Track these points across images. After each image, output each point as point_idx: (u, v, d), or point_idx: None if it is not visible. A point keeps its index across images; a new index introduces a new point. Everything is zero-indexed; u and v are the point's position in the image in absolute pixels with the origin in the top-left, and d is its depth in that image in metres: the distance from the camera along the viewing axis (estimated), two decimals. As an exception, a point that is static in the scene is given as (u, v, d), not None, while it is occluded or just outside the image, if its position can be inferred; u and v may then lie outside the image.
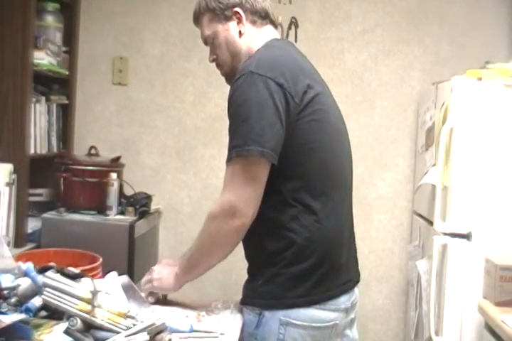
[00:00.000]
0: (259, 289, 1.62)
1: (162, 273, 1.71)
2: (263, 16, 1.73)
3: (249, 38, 1.71)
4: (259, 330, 1.59)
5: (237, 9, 1.70)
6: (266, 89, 1.53)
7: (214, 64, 1.79)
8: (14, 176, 2.58)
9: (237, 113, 1.56)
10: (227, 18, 1.71)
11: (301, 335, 1.58)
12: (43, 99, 2.92)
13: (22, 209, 2.65)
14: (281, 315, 1.57)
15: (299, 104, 1.57)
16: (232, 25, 1.71)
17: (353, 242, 1.76)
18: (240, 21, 1.71)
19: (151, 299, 1.74)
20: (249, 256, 1.70)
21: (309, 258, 1.58)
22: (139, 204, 2.89)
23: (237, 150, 1.53)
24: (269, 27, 1.76)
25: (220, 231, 1.57)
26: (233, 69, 1.71)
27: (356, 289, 1.73)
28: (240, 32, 1.70)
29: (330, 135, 1.66)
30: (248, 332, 1.62)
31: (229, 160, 1.56)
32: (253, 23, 1.72)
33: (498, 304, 2.13)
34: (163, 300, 1.75)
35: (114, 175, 2.81)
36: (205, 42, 1.78)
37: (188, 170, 3.33)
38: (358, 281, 1.75)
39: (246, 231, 1.57)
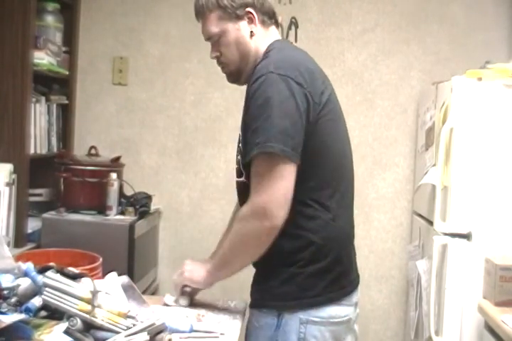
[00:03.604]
0: (276, 290, 1.60)
1: (194, 266, 1.72)
2: (271, 16, 1.71)
3: (259, 38, 1.68)
4: (279, 332, 1.58)
5: (249, 9, 1.66)
6: (287, 88, 1.52)
7: (215, 63, 1.75)
8: (14, 176, 2.58)
9: (259, 112, 1.53)
10: (239, 18, 1.66)
11: (320, 332, 1.59)
12: (43, 99, 2.92)
13: (22, 209, 2.64)
14: (301, 314, 1.57)
15: (318, 104, 1.57)
16: (243, 25, 1.67)
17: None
18: (251, 21, 1.67)
19: (182, 301, 1.73)
20: (261, 258, 1.62)
21: (327, 257, 1.59)
22: (139, 204, 2.88)
23: (259, 147, 1.50)
24: (273, 28, 1.74)
25: (251, 234, 1.56)
26: (239, 69, 1.69)
27: None
28: (251, 32, 1.67)
29: (342, 134, 1.68)
30: (267, 336, 1.59)
31: (253, 158, 1.53)
32: (263, 23, 1.69)
33: (498, 304, 2.13)
34: (190, 302, 1.75)
35: (114, 175, 2.81)
36: (208, 39, 1.72)
37: (188, 170, 3.33)
38: (359, 275, 1.77)
39: (278, 232, 1.54)
